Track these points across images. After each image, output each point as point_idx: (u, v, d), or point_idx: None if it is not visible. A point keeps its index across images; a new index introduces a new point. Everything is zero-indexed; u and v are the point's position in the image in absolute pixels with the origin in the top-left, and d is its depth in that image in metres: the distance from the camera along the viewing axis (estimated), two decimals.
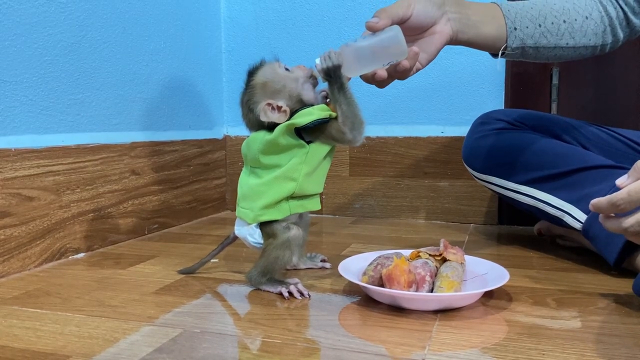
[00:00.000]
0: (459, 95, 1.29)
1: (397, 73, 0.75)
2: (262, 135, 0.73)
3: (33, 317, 0.65)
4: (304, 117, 0.71)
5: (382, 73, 0.74)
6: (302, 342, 0.57)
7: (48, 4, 0.91)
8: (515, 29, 0.83)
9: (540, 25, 0.84)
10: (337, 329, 0.61)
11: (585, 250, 0.93)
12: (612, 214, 0.64)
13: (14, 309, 0.68)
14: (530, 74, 1.23)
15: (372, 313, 0.66)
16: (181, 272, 0.83)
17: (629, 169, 0.86)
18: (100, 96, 1.03)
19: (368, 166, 1.36)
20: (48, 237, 0.90)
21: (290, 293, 0.72)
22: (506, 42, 0.83)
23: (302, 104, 0.73)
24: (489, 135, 1.02)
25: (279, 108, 0.72)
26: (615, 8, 0.87)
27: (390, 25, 0.72)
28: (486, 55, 1.32)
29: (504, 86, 1.26)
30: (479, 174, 1.04)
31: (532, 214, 0.98)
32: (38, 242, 0.88)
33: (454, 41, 0.81)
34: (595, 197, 0.81)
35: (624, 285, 0.76)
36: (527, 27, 0.83)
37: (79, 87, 0.98)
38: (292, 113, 0.73)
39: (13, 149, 0.85)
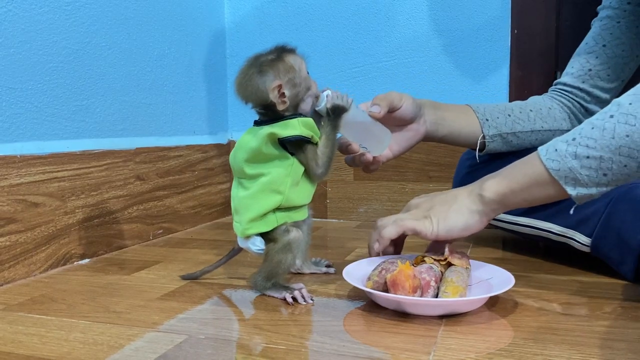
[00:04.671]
0: (463, 98, 1.29)
1: (359, 159, 0.83)
2: (247, 143, 0.72)
3: (38, 324, 0.65)
4: (288, 130, 0.70)
5: (356, 147, 0.82)
6: (307, 347, 0.57)
7: (53, 11, 0.92)
8: (487, 120, 0.92)
9: (509, 115, 0.94)
10: (341, 335, 0.61)
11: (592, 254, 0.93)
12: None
13: (19, 315, 0.68)
14: (533, 77, 1.23)
15: (377, 318, 0.65)
16: (184, 277, 0.83)
17: None
18: (104, 102, 1.04)
19: None
20: (53, 243, 0.91)
21: (294, 298, 0.72)
22: (482, 132, 0.92)
23: (294, 110, 0.73)
24: (476, 170, 1.01)
25: (282, 96, 0.71)
26: (569, 100, 0.98)
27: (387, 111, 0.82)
28: (490, 58, 1.33)
29: (508, 89, 1.26)
30: None
31: (539, 243, 0.98)
32: (43, 248, 0.89)
33: (429, 138, 0.92)
34: (593, 218, 0.83)
35: (630, 290, 0.76)
36: (497, 118, 0.93)
37: (84, 94, 0.99)
38: (282, 117, 0.72)
39: (18, 156, 0.85)
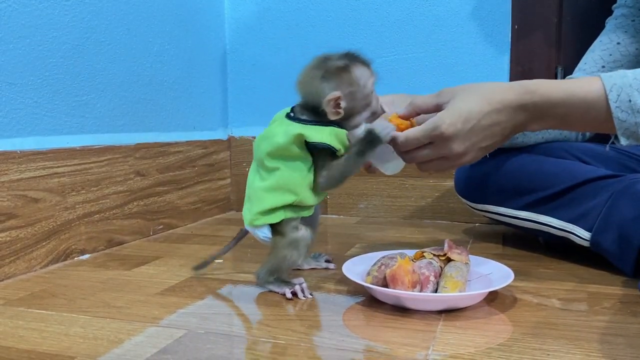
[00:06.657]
0: None
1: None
2: (274, 137, 0.71)
3: (38, 318, 0.65)
4: (318, 135, 0.69)
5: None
6: (306, 342, 0.57)
7: (52, 7, 0.92)
8: None
9: None
10: (341, 330, 0.61)
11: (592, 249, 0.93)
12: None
13: (19, 310, 0.68)
14: (534, 72, 1.23)
15: (376, 313, 0.66)
16: (196, 268, 0.83)
17: (621, 175, 0.86)
18: (104, 98, 1.04)
19: None
20: (53, 238, 0.91)
21: (293, 293, 0.72)
22: None
23: (347, 120, 0.72)
24: (479, 164, 1.00)
25: (337, 107, 0.70)
26: None
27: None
28: (490, 53, 1.32)
29: None
30: (474, 204, 1.04)
31: (538, 236, 0.98)
32: (43, 244, 0.89)
33: None
34: (593, 213, 0.83)
35: (630, 285, 0.76)
36: None
37: (84, 89, 0.99)
38: (320, 121, 0.71)
39: (18, 151, 0.85)
